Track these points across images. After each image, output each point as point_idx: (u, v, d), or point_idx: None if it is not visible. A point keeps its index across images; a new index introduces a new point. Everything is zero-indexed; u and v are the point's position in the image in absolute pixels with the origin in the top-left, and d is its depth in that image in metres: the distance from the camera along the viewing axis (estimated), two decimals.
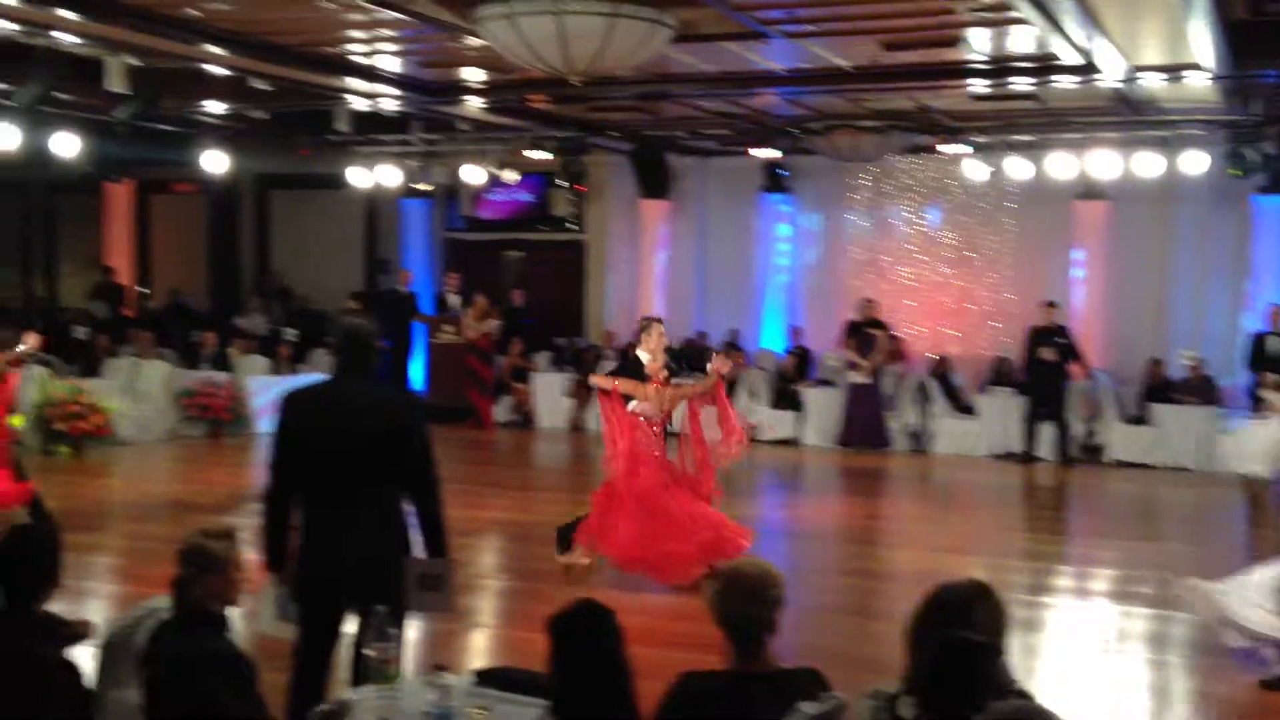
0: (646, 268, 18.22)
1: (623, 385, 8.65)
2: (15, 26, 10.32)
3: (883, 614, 8.13)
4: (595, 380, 9.15)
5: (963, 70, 12.02)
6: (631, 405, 8.71)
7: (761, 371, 16.61)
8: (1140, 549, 10.12)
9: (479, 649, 7.22)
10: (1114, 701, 6.67)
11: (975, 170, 15.73)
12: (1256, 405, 13.78)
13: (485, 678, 4.33)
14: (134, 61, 11.78)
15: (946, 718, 3.09)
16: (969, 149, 15.51)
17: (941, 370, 15.86)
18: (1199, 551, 10.31)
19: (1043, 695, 3.80)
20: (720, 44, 10.93)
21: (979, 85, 12.39)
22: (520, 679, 4.27)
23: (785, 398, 16.14)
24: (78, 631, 4.38)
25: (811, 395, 16.01)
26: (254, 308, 18.92)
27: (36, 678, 3.73)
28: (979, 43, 10.91)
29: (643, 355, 8.82)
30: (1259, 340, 14.22)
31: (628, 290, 18.48)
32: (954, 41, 10.88)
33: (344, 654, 4.73)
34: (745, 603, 3.72)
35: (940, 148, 15.74)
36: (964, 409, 15.55)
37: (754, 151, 16.69)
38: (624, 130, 16.44)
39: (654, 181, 17.85)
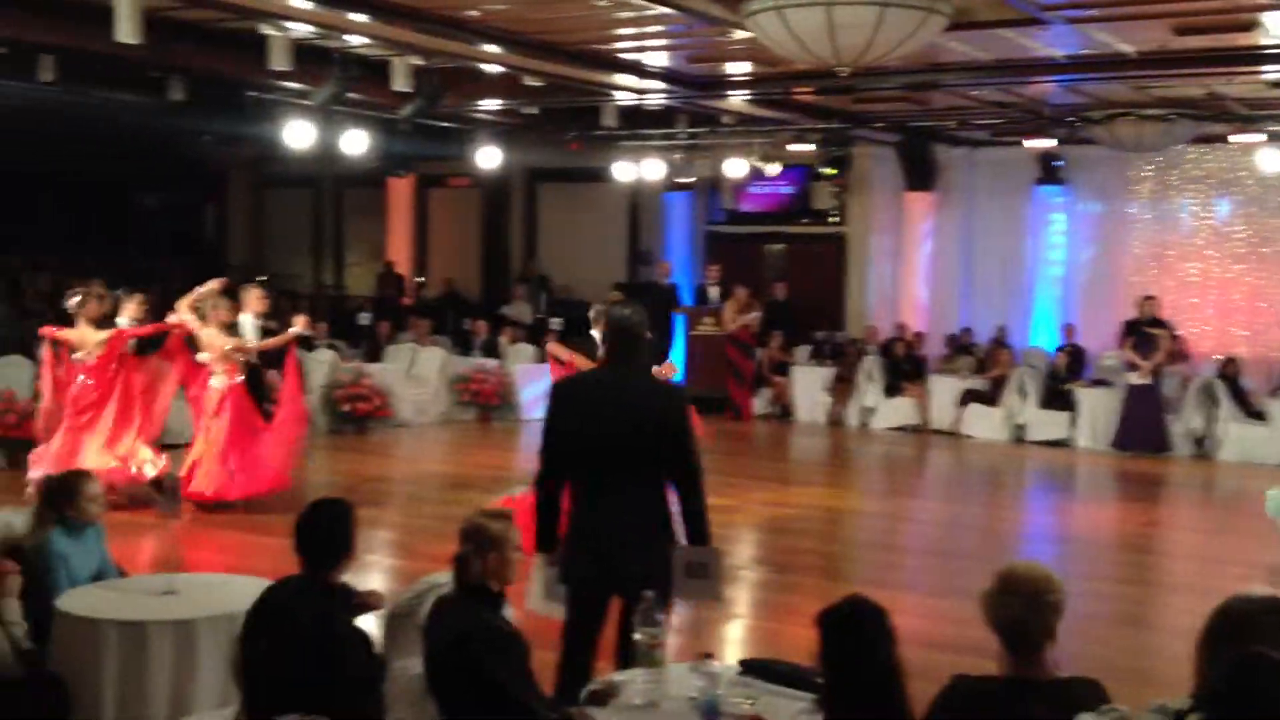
0: (909, 261, 17.90)
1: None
2: (312, 29, 10.99)
3: (1160, 626, 7.76)
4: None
5: (1259, 55, 11.30)
6: None
7: (1031, 370, 16.04)
8: None
9: (735, 639, 7.26)
10: None
11: (1270, 160, 14.75)
12: None
13: (749, 668, 4.36)
14: (418, 61, 12.37)
15: None
16: (1264, 138, 14.54)
17: (1229, 372, 14.93)
18: None
19: None
20: (995, 31, 10.61)
21: (1275, 71, 11.61)
22: (784, 671, 4.27)
23: (1056, 397, 15.52)
24: (368, 602, 4.64)
25: (1085, 395, 15.35)
26: (519, 296, 19.56)
27: (335, 644, 3.97)
28: (1276, 26, 10.22)
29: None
30: None
31: (889, 284, 18.19)
32: (1250, 26, 10.24)
33: (609, 637, 4.85)
34: (1023, 607, 3.60)
35: (1232, 137, 14.84)
36: (1253, 414, 14.59)
37: (1028, 142, 16.14)
38: (890, 121, 16.19)
39: (920, 173, 17.51)
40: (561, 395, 4.94)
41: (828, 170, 16.60)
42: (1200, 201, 16.40)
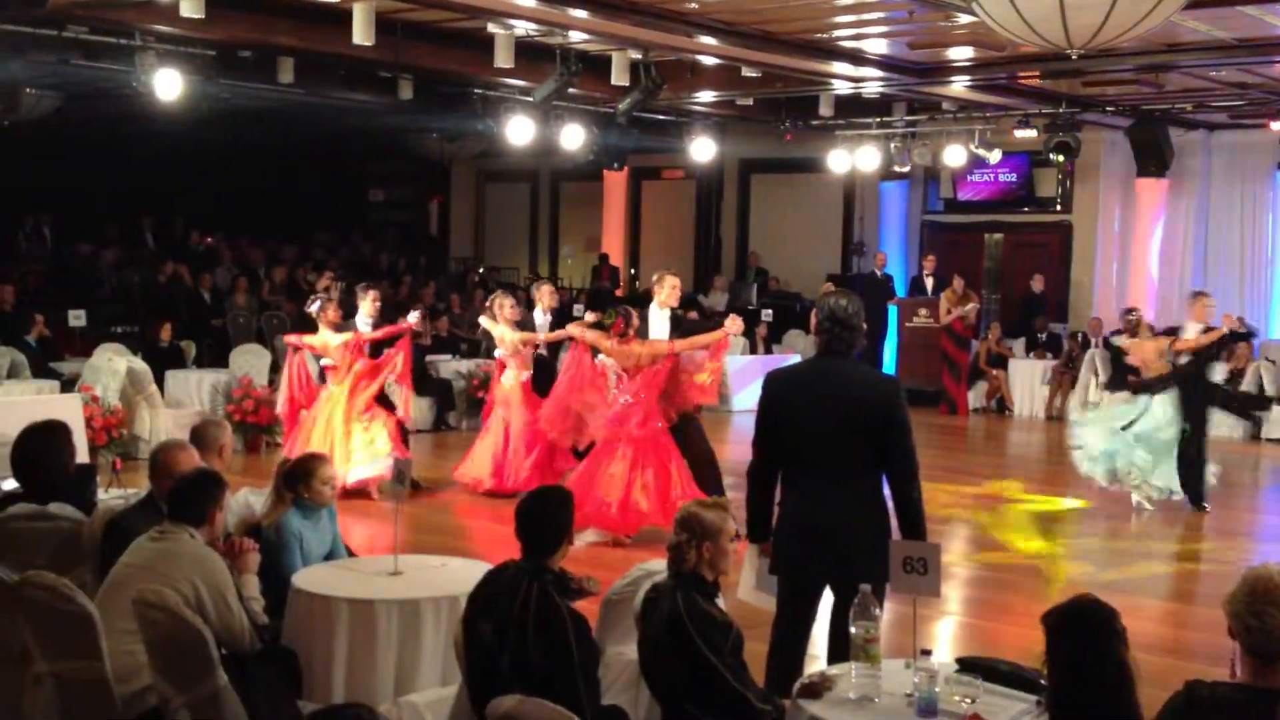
0: (1139, 251, 17.14)
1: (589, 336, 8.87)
2: (535, 27, 11.25)
3: None
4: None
5: None
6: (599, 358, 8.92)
7: (1270, 364, 15.17)
8: None
9: (947, 636, 7.11)
10: None
11: None
12: None
13: (967, 666, 4.26)
14: (636, 55, 12.52)
15: None
16: None
17: None
18: None
19: None
20: (1237, 8, 10.07)
21: None
22: (1004, 671, 4.16)
23: None
24: (585, 588, 4.72)
25: None
26: (718, 287, 19.55)
27: (555, 629, 4.07)
28: None
29: (654, 310, 9.05)
30: None
31: (1116, 275, 17.47)
32: None
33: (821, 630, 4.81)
34: (1276, 613, 3.41)
35: None
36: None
37: (1271, 124, 15.25)
38: (1121, 104, 15.54)
39: (1153, 158, 16.72)
40: (776, 385, 4.92)
41: (1056, 157, 16.04)
42: None
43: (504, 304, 10.48)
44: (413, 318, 10.45)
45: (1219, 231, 16.96)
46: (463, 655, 4.20)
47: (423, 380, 14.00)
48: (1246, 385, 14.74)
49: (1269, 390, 14.70)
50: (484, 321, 10.78)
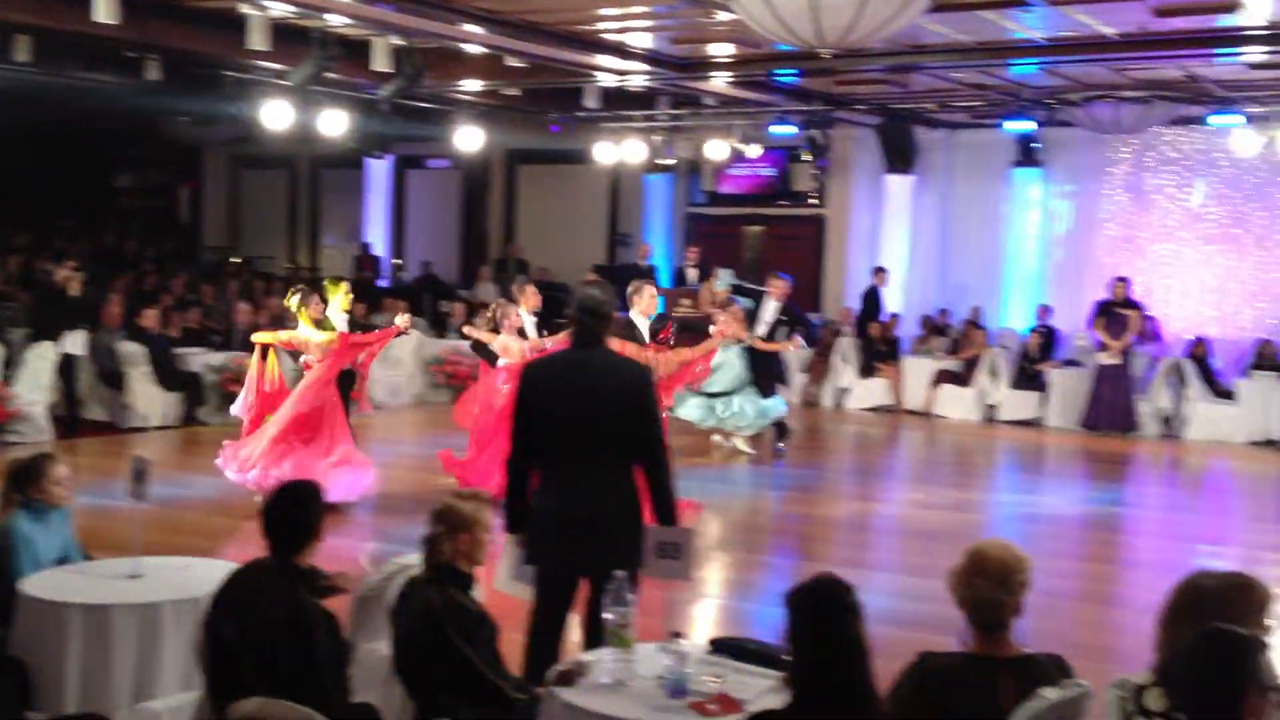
0: (889, 243, 17.91)
1: (628, 349, 8.61)
2: (291, 9, 10.91)
3: (1125, 603, 7.82)
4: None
5: (1240, 37, 11.31)
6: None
7: (1004, 350, 16.12)
8: None
9: (706, 619, 7.27)
10: None
11: (1246, 142, 14.78)
12: None
13: (719, 647, 4.36)
14: (398, 41, 12.29)
15: (1201, 712, 2.94)
16: (1241, 120, 14.57)
17: (1198, 353, 15.04)
18: None
19: None
20: (976, 12, 10.61)
21: (1255, 52, 11.63)
22: (753, 650, 4.29)
23: (1028, 378, 15.63)
24: (335, 584, 4.62)
25: (1056, 376, 15.45)
26: (485, 278, 19.48)
27: (302, 627, 3.96)
28: (1258, 7, 10.23)
29: (636, 318, 9.11)
30: None
31: (868, 266, 18.21)
32: (1231, 8, 10.25)
33: (578, 617, 4.85)
34: (992, 586, 3.62)
35: (1209, 119, 14.86)
36: (1222, 394, 14.70)
37: (1006, 124, 16.14)
38: (871, 103, 16.18)
39: (900, 155, 17.50)
40: (531, 377, 4.92)
41: (806, 155, 16.65)
42: (1175, 183, 16.44)
43: (509, 311, 9.95)
44: (401, 320, 10.07)
45: (961, 225, 17.85)
46: (204, 658, 4.05)
47: (170, 374, 13.44)
48: (980, 372, 15.65)
49: (1003, 376, 15.62)
50: (476, 333, 9.99)
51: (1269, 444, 13.93)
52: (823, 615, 3.33)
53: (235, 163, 22.86)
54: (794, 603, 3.39)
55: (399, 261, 21.11)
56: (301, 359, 9.66)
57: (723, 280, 15.02)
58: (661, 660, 4.00)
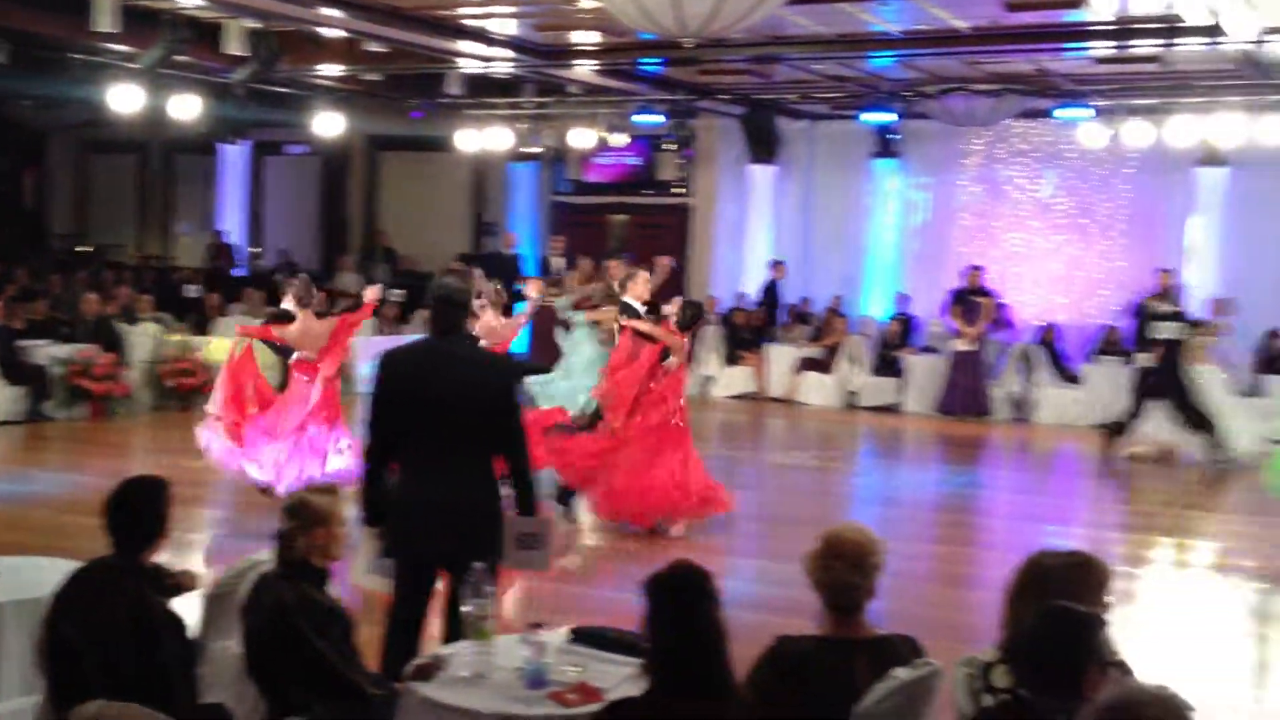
0: (752, 232, 18.10)
1: (655, 331, 8.84)
2: None
3: (978, 583, 8.04)
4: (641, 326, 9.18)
5: (1086, 32, 11.69)
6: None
7: (864, 338, 16.45)
8: (1243, 522, 9.74)
9: (574, 608, 7.26)
10: (1213, 674, 6.50)
11: (1093, 135, 15.29)
12: None
13: (580, 636, 4.35)
14: (252, 24, 11.99)
15: (1044, 687, 3.02)
16: (1089, 113, 15.07)
17: (1047, 339, 15.55)
18: None
19: (1141, 667, 3.71)
20: (836, 5, 10.76)
21: (1102, 47, 12.03)
22: (615, 638, 4.29)
23: (887, 364, 15.98)
24: (182, 582, 4.49)
25: (913, 362, 15.82)
26: (348, 267, 19.17)
27: (147, 627, 3.83)
28: (1103, 3, 10.58)
29: (633, 303, 9.24)
30: None
31: (732, 255, 18.39)
32: (1078, 3, 10.57)
33: (439, 610, 4.79)
34: (847, 569, 3.68)
35: (1057, 112, 15.33)
36: (1069, 378, 15.22)
37: (865, 115, 16.43)
38: (734, 93, 16.31)
39: (762, 145, 17.70)
40: (388, 366, 4.84)
41: (670, 144, 16.79)
42: (1025, 174, 16.95)
43: (486, 290, 10.02)
44: (370, 294, 9.85)
45: (822, 214, 18.12)
46: (44, 660, 3.89)
47: (13, 367, 12.92)
48: (841, 359, 15.96)
49: (862, 363, 15.94)
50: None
51: (1103, 427, 14.41)
52: (680, 602, 3.34)
53: (83, 148, 22.04)
54: (651, 590, 3.40)
55: (256, 250, 20.62)
56: (295, 356, 9.48)
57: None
58: (521, 652, 3.98)
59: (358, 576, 4.92)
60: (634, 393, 8.86)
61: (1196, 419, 12.12)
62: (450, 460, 4.69)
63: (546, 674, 3.88)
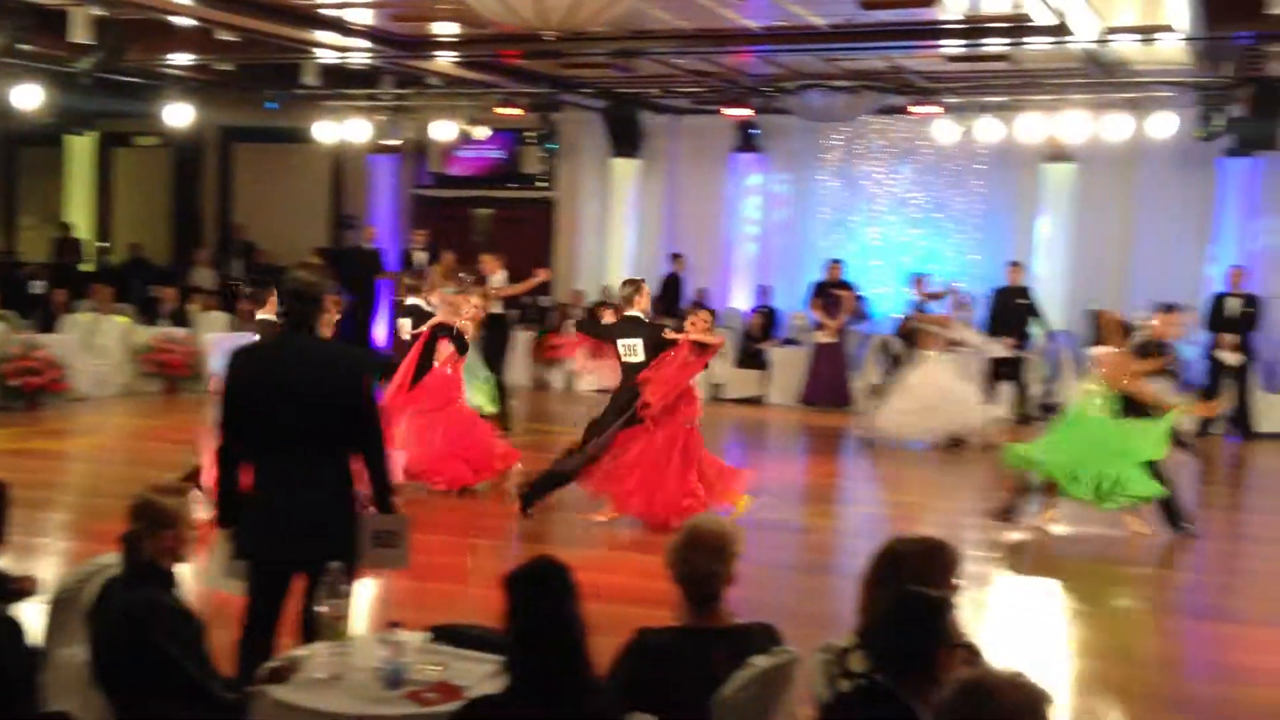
0: (616, 226, 18.14)
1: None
2: None
3: (839, 570, 8.17)
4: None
5: (938, 30, 11.95)
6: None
7: (728, 331, 16.60)
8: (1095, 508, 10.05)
9: (439, 606, 7.17)
10: (1058, 654, 6.72)
11: (946, 131, 15.68)
12: (1213, 365, 14.00)
13: (441, 634, 4.30)
14: (99, 11, 11.58)
15: (897, 670, 3.08)
16: (940, 110, 15.45)
17: (906, 330, 15.87)
18: (1152, 509, 10.40)
19: (992, 649, 3.82)
20: (696, 0, 10.82)
21: (953, 46, 12.33)
22: (476, 636, 4.24)
23: (750, 357, 16.17)
24: (23, 588, 4.32)
25: (777, 354, 16.04)
26: (202, 261, 18.69)
27: None
28: (955, 2, 10.84)
29: (640, 316, 9.27)
30: (1219, 301, 14.30)
31: (597, 249, 18.41)
32: (930, 1, 10.81)
33: (294, 612, 4.69)
34: (705, 560, 3.71)
35: (912, 108, 15.68)
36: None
37: (726, 110, 16.58)
38: (597, 87, 16.31)
39: (625, 139, 17.74)
40: (237, 364, 4.71)
41: (532, 135, 16.75)
42: (883, 170, 17.31)
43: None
44: None
45: (686, 208, 18.25)
46: None
47: None
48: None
49: (726, 355, 16.08)
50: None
51: None
52: (538, 597, 3.31)
53: None
54: (510, 586, 3.37)
55: (104, 244, 19.93)
56: None
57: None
58: (379, 652, 3.91)
59: (211, 580, 4.78)
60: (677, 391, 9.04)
61: None
62: (302, 459, 4.58)
63: (405, 674, 3.82)
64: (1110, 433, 8.90)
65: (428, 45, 13.64)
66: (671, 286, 17.14)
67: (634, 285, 9.38)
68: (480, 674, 3.87)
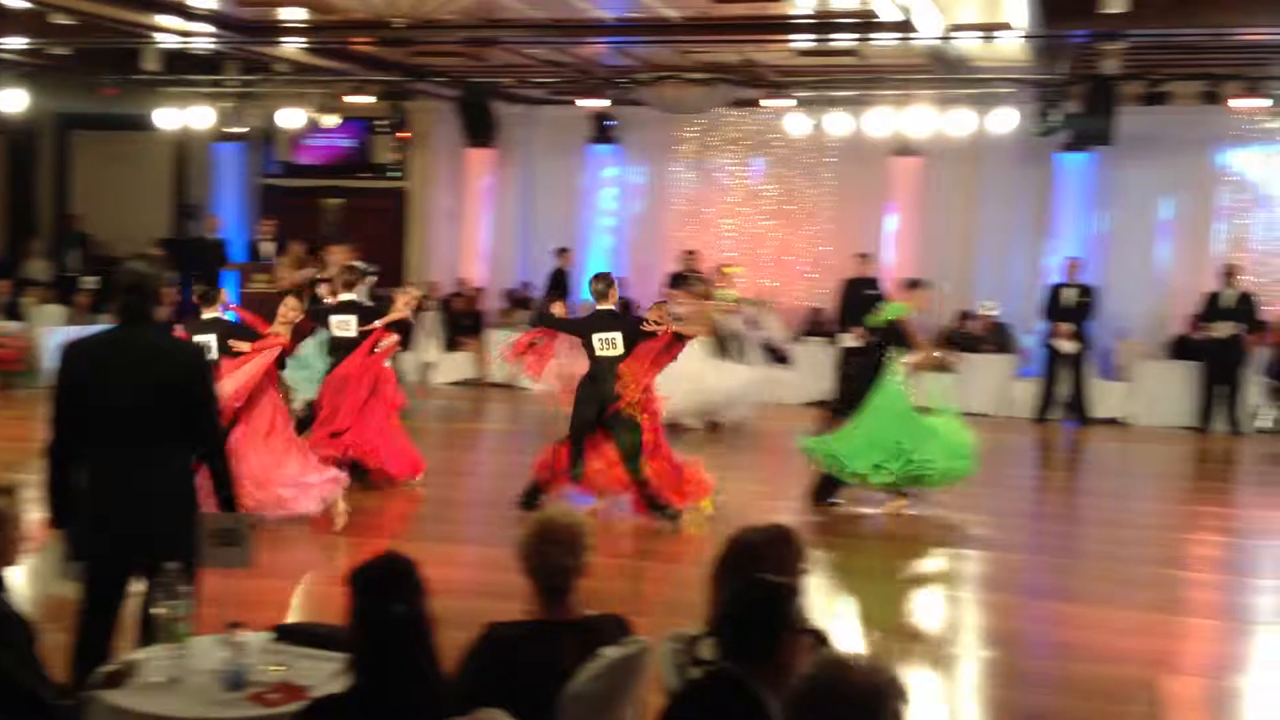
0: (471, 217, 17.98)
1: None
2: None
3: (692, 559, 8.23)
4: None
5: (788, 24, 12.11)
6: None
7: None
8: (938, 493, 10.32)
9: (286, 605, 7.04)
10: (912, 634, 6.90)
11: (797, 125, 15.91)
12: (1050, 353, 14.52)
13: (285, 634, 4.21)
14: None
15: (744, 657, 3.11)
16: (792, 103, 15.67)
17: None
18: (993, 491, 10.75)
19: (842, 634, 3.88)
20: None
21: (803, 40, 12.51)
22: (322, 634, 4.17)
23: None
24: None
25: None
26: (36, 253, 17.98)
27: None
28: None
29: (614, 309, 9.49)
30: (1055, 292, 14.81)
31: (451, 240, 18.23)
32: None
33: (132, 613, 4.54)
34: (557, 553, 3.70)
35: (764, 102, 15.87)
36: (779, 359, 15.80)
37: (581, 101, 16.56)
38: (449, 76, 16.13)
39: (479, 129, 17.58)
40: (70, 357, 4.53)
41: (383, 123, 16.52)
42: (736, 162, 17.50)
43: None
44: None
45: (542, 199, 18.18)
46: None
47: None
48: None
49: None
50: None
51: (822, 404, 15.09)
52: (383, 594, 3.26)
53: None
54: (356, 582, 3.31)
55: None
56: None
57: None
58: (219, 653, 3.81)
59: (46, 583, 4.59)
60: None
61: None
62: (138, 455, 4.43)
63: (247, 675, 3.73)
64: (909, 417, 9.19)
65: (274, 31, 13.31)
66: (559, 282, 16.93)
67: (606, 280, 9.48)
68: (325, 673, 3.80)
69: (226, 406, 7.90)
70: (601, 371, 9.08)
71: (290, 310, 9.05)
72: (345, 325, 10.05)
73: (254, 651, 3.86)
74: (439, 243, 18.28)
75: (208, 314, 8.79)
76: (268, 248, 16.96)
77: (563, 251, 17.03)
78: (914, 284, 9.95)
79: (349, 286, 10.29)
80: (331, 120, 16.99)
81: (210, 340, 8.43)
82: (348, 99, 16.34)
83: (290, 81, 16.18)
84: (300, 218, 17.94)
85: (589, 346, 9.15)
